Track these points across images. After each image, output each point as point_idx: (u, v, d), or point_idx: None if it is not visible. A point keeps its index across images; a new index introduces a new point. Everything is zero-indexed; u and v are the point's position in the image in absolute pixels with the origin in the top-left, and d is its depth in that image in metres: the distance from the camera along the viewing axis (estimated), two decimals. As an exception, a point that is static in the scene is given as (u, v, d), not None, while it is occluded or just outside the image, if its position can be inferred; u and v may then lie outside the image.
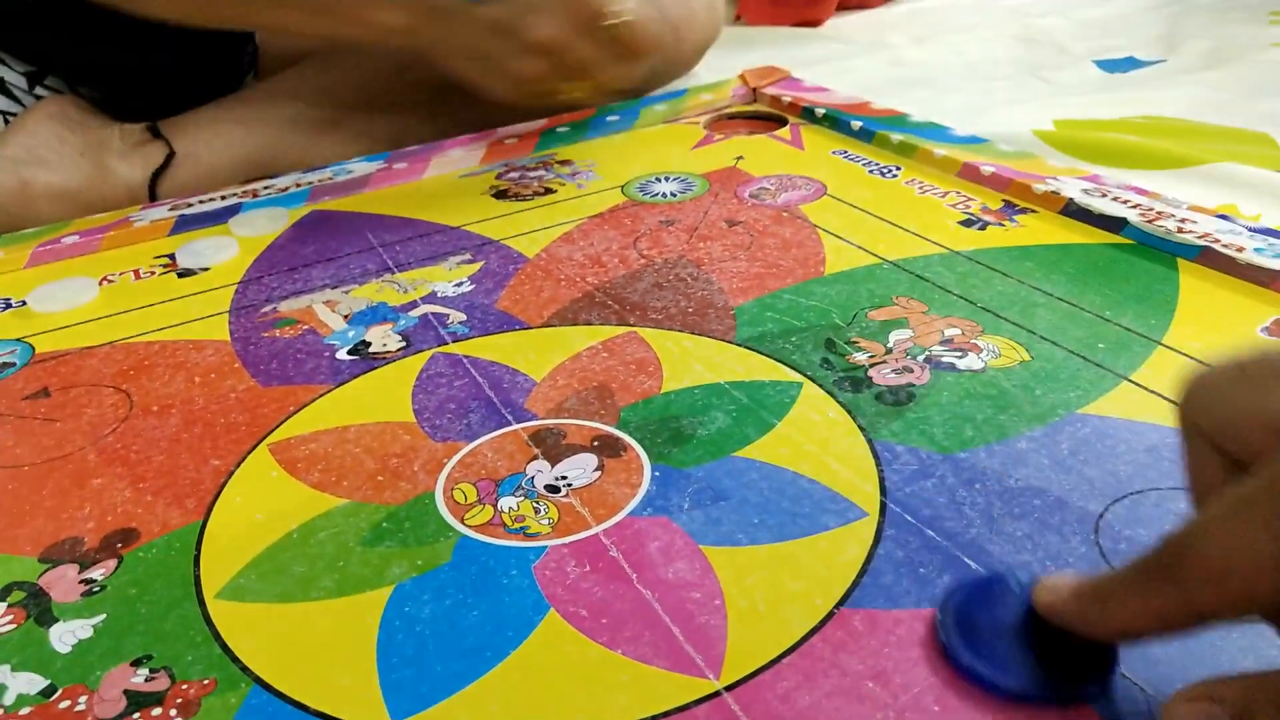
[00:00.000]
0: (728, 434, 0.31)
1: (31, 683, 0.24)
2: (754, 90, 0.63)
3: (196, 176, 0.59)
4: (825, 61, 0.76)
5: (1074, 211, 0.44)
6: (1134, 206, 0.43)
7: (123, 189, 0.58)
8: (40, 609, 0.27)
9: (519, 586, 0.26)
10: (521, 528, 0.28)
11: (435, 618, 0.25)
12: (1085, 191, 0.45)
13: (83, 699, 0.24)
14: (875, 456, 0.30)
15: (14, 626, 0.26)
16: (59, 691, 0.24)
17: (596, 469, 0.30)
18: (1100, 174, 0.47)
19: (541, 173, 0.54)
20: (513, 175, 0.53)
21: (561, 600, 0.25)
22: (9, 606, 0.27)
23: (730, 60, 0.73)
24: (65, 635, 0.26)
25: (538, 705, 0.22)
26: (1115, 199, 0.44)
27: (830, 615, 0.24)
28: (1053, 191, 0.45)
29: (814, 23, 0.88)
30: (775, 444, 0.31)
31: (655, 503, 0.28)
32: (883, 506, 0.28)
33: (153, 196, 0.58)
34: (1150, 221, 0.41)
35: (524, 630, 0.25)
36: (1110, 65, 0.72)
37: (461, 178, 0.54)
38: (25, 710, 0.24)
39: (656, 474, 0.30)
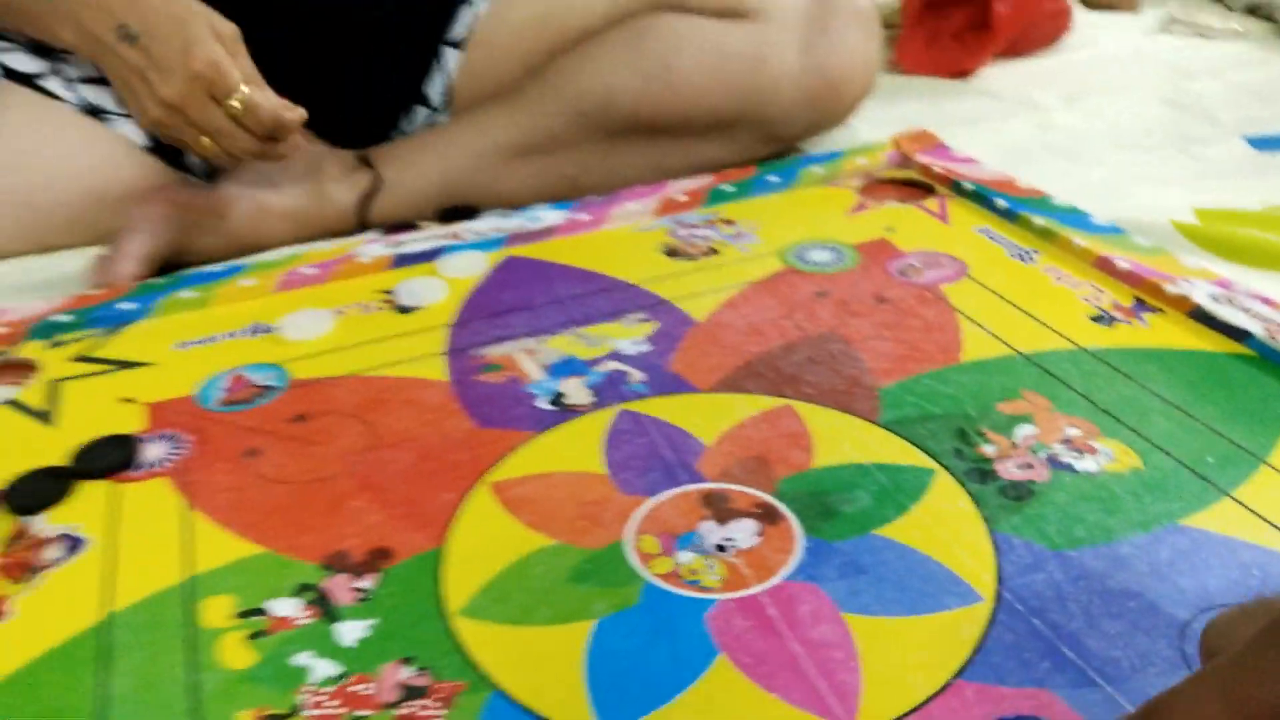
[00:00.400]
0: (870, 513, 0.37)
1: (329, 668, 0.32)
2: (906, 156, 0.67)
3: (398, 204, 0.67)
4: (974, 122, 0.79)
5: (1200, 316, 0.48)
6: (1260, 319, 0.46)
7: (335, 212, 0.66)
8: (326, 608, 0.34)
9: (694, 632, 0.33)
10: (695, 580, 0.35)
11: (630, 650, 0.32)
12: (1214, 298, 0.49)
13: (370, 686, 0.31)
14: (995, 546, 0.35)
15: (312, 620, 0.34)
16: (350, 677, 0.32)
17: (758, 534, 0.36)
18: (1233, 277, 0.51)
19: (708, 232, 0.60)
20: (682, 234, 0.60)
21: (729, 647, 0.32)
22: (306, 604, 0.35)
23: (883, 111, 0.78)
24: (349, 632, 0.33)
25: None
26: (1242, 308, 0.47)
27: (948, 685, 0.30)
28: (1182, 295, 0.49)
29: (967, 73, 0.92)
30: (910, 526, 0.36)
31: (806, 570, 0.35)
32: (997, 594, 0.33)
33: (360, 220, 0.67)
34: (1274, 336, 0.45)
35: (699, 669, 0.31)
36: (1261, 143, 0.74)
37: (638, 231, 0.61)
38: (329, 689, 0.31)
39: (808, 544, 0.36)
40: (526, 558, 0.36)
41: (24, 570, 0.37)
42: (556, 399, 0.45)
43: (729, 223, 0.61)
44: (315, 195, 0.66)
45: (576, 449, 0.42)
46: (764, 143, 0.71)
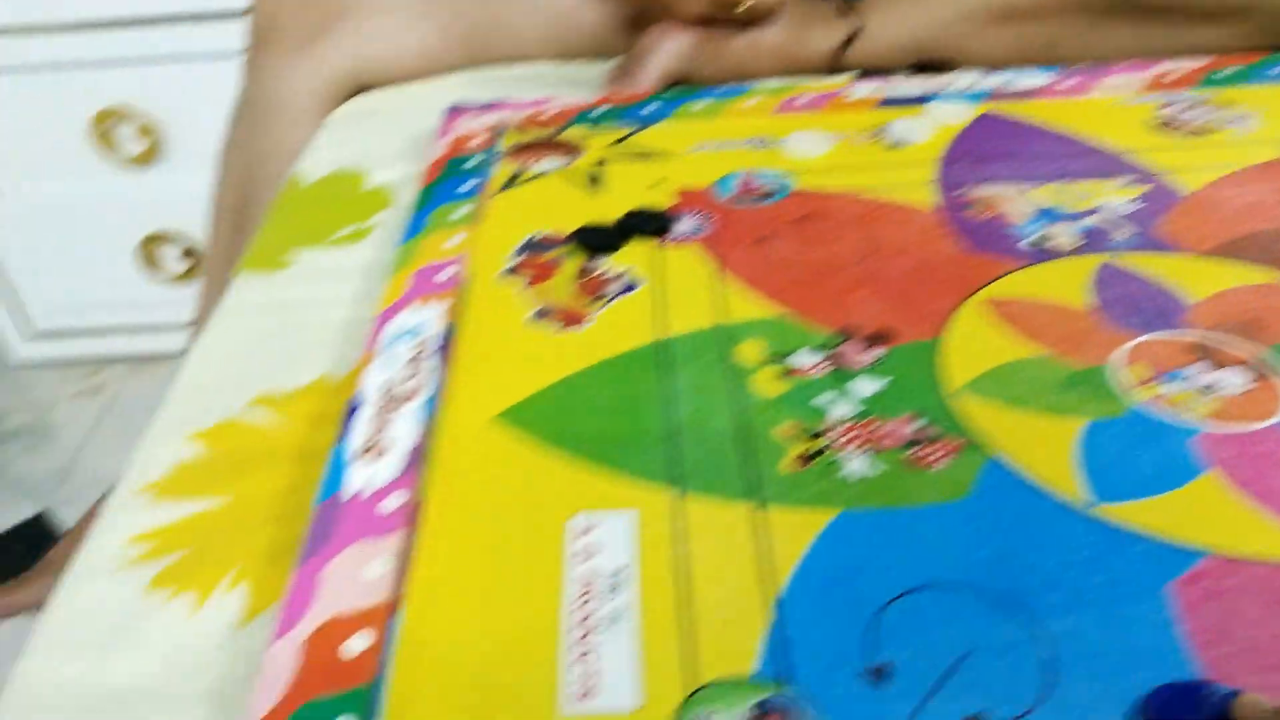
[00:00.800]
0: (1368, 385, 0.38)
1: (846, 409, 0.39)
2: None
3: (874, 52, 0.72)
4: None
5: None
6: None
7: (815, 54, 0.72)
8: (842, 365, 0.41)
9: (1185, 448, 0.36)
10: (1180, 410, 0.38)
11: (1119, 451, 0.36)
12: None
13: (884, 428, 0.38)
14: None
15: (829, 371, 0.41)
16: (864, 419, 0.39)
17: (1250, 383, 0.39)
18: None
19: (1203, 112, 0.59)
20: (1174, 110, 0.60)
21: (1219, 465, 0.35)
22: (823, 359, 0.42)
23: None
24: (862, 386, 0.40)
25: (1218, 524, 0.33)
26: None
27: None
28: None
29: None
30: None
31: (1296, 420, 0.37)
32: None
33: (837, 64, 0.72)
34: None
35: (1187, 477, 0.35)
36: None
37: (1124, 104, 0.61)
38: (847, 423, 0.38)
39: (1299, 399, 0.38)
40: (1020, 361, 0.41)
41: (595, 295, 0.47)
42: (1039, 240, 0.49)
43: (1228, 104, 0.60)
44: (800, 36, 0.72)
45: (1064, 284, 0.45)
46: (1268, 35, 0.68)
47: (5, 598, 1.07)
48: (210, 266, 0.78)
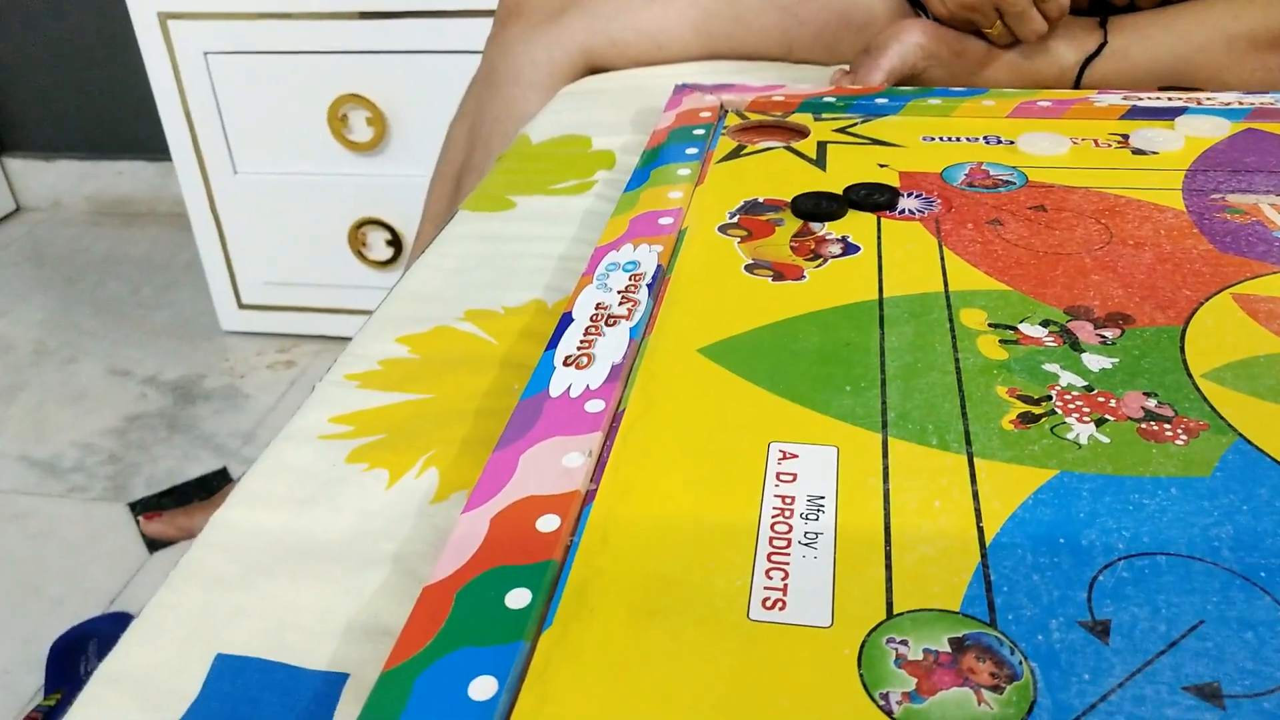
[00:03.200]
0: None
1: (1075, 379, 0.37)
2: None
3: (1118, 71, 0.68)
4: None
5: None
6: None
7: (1055, 69, 0.69)
8: (1071, 340, 0.39)
9: None
10: None
11: (1390, 450, 0.32)
12: None
13: (1111, 400, 0.35)
14: None
15: (1056, 345, 0.39)
16: (1094, 390, 0.36)
17: None
18: None
19: None
20: None
21: None
22: (1050, 332, 0.39)
23: None
24: (1092, 361, 0.38)
25: None
26: None
27: None
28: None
29: None
30: None
31: None
32: None
33: (1078, 81, 0.69)
34: None
35: None
36: None
37: (1407, 133, 0.56)
38: (1074, 392, 0.36)
39: None
40: (1274, 355, 0.37)
41: (811, 254, 0.46)
42: (1306, 249, 0.44)
43: None
44: (1041, 48, 0.69)
45: (1331, 290, 0.41)
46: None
47: (183, 520, 1.15)
48: (423, 226, 0.82)
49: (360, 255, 1.44)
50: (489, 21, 0.84)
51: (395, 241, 1.42)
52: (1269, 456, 0.33)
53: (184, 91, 1.35)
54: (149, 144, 1.85)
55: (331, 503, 0.35)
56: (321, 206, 1.41)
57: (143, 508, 1.21)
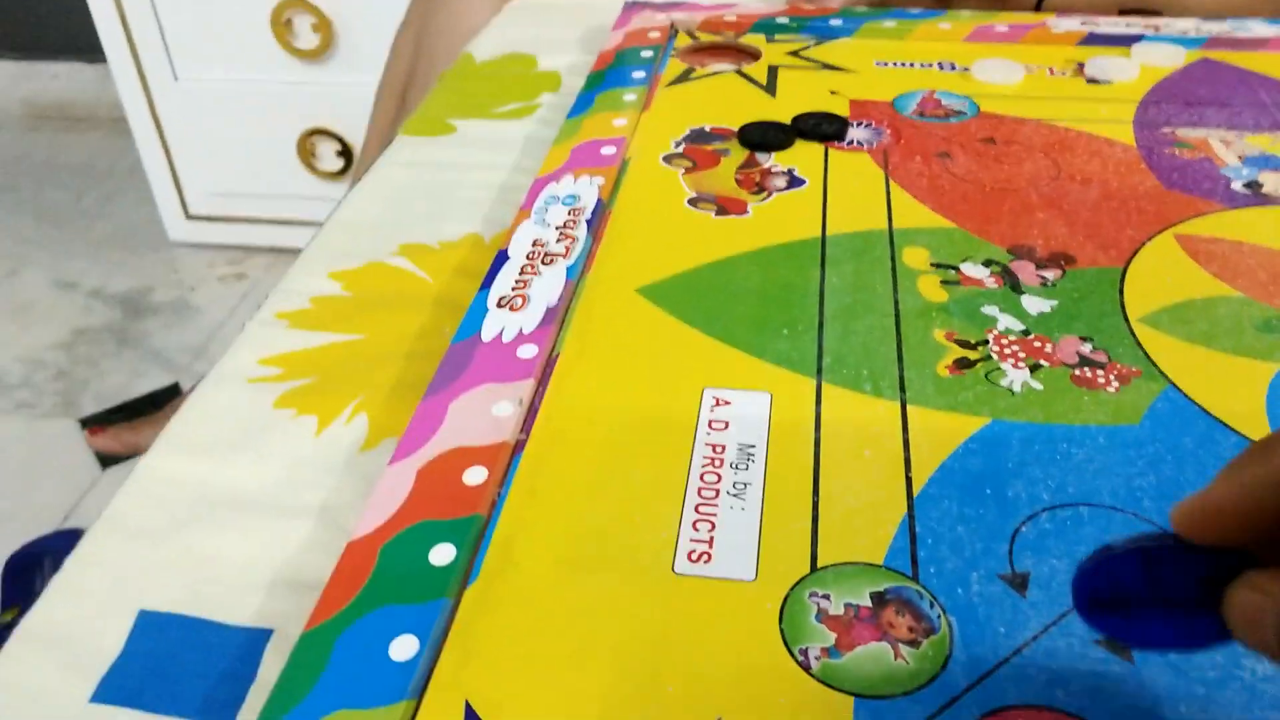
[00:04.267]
0: None
1: (1013, 323, 0.36)
2: None
3: (1086, -4, 0.67)
4: None
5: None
6: None
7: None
8: (1012, 281, 0.39)
9: (1390, 407, 0.32)
10: (1396, 369, 0.34)
11: (1315, 399, 0.33)
12: None
13: (1049, 346, 0.35)
14: None
15: (997, 286, 0.38)
16: (1031, 334, 0.36)
17: None
18: None
19: None
20: None
21: None
22: (992, 273, 0.39)
23: None
24: (1031, 303, 0.37)
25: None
26: None
27: None
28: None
29: None
30: None
31: None
32: None
33: (1039, 4, 0.68)
34: None
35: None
36: None
37: (1360, 63, 0.55)
38: (1012, 336, 0.36)
39: None
40: (1211, 299, 0.37)
41: (756, 187, 0.45)
42: (1252, 184, 0.44)
43: None
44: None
45: (1272, 229, 0.41)
46: None
47: (129, 436, 1.14)
48: (370, 139, 0.79)
49: (310, 166, 1.40)
50: (436, -75, 0.80)
51: (346, 152, 1.39)
52: (1196, 404, 0.33)
53: (118, -10, 1.29)
54: (86, 45, 1.77)
55: (258, 450, 0.34)
56: (268, 116, 1.36)
57: (92, 424, 1.19)
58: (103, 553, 0.30)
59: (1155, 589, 0.21)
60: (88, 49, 1.76)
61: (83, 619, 0.28)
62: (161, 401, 1.22)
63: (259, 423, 0.35)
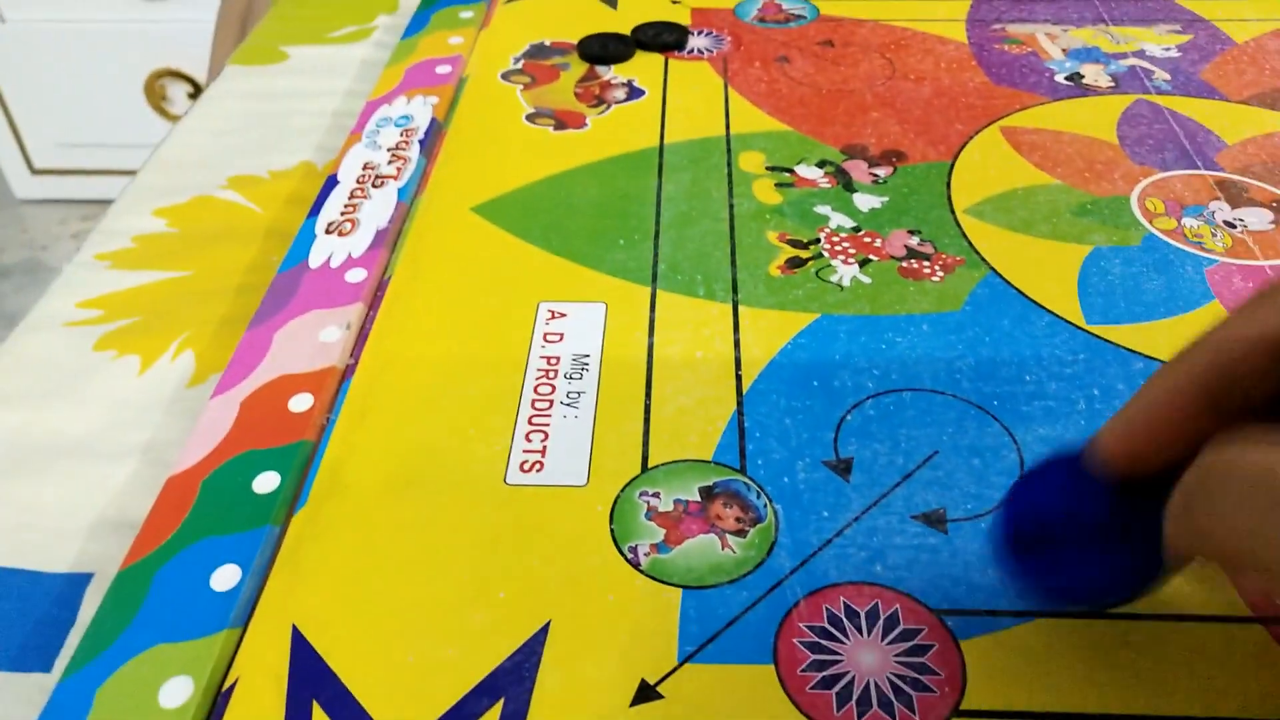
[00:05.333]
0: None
1: (844, 220, 0.37)
2: None
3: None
4: None
5: None
6: None
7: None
8: (845, 180, 0.39)
9: (1192, 278, 0.34)
10: (1198, 242, 0.35)
11: (1123, 276, 0.34)
12: None
13: (879, 240, 0.36)
14: None
15: (830, 186, 0.39)
16: (863, 231, 0.36)
17: (1271, 222, 0.36)
18: None
19: (1263, -31, 0.55)
20: (1233, -36, 0.56)
21: (1225, 298, 0.33)
22: (826, 173, 0.39)
23: None
24: (863, 201, 0.38)
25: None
26: None
27: None
28: None
29: None
30: None
31: (1321, 261, 0.34)
32: None
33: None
34: None
35: (1191, 305, 0.33)
36: None
37: (1180, -45, 0.57)
38: (842, 234, 0.36)
39: (1328, 242, 0.35)
40: (1031, 187, 0.38)
41: (596, 100, 0.45)
42: (1073, 77, 0.45)
43: (1290, -35, 0.56)
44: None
45: (1090, 118, 0.42)
46: None
47: None
48: (211, 76, 0.76)
49: (161, 110, 1.34)
50: None
51: (199, 93, 1.33)
52: (1013, 287, 0.34)
53: (-67, -71, 1.20)
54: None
55: (77, 394, 0.33)
56: (110, 58, 1.29)
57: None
58: (-92, 511, 0.29)
59: (1077, 520, 0.21)
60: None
61: (-113, 579, 0.27)
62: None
63: (77, 367, 0.33)
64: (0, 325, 1.24)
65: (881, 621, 0.24)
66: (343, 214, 0.37)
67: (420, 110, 0.43)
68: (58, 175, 1.41)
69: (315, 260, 0.35)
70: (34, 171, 1.40)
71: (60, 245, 1.36)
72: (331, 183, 0.38)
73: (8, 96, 1.33)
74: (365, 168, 0.39)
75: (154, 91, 1.32)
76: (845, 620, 0.24)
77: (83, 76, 1.31)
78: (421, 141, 0.41)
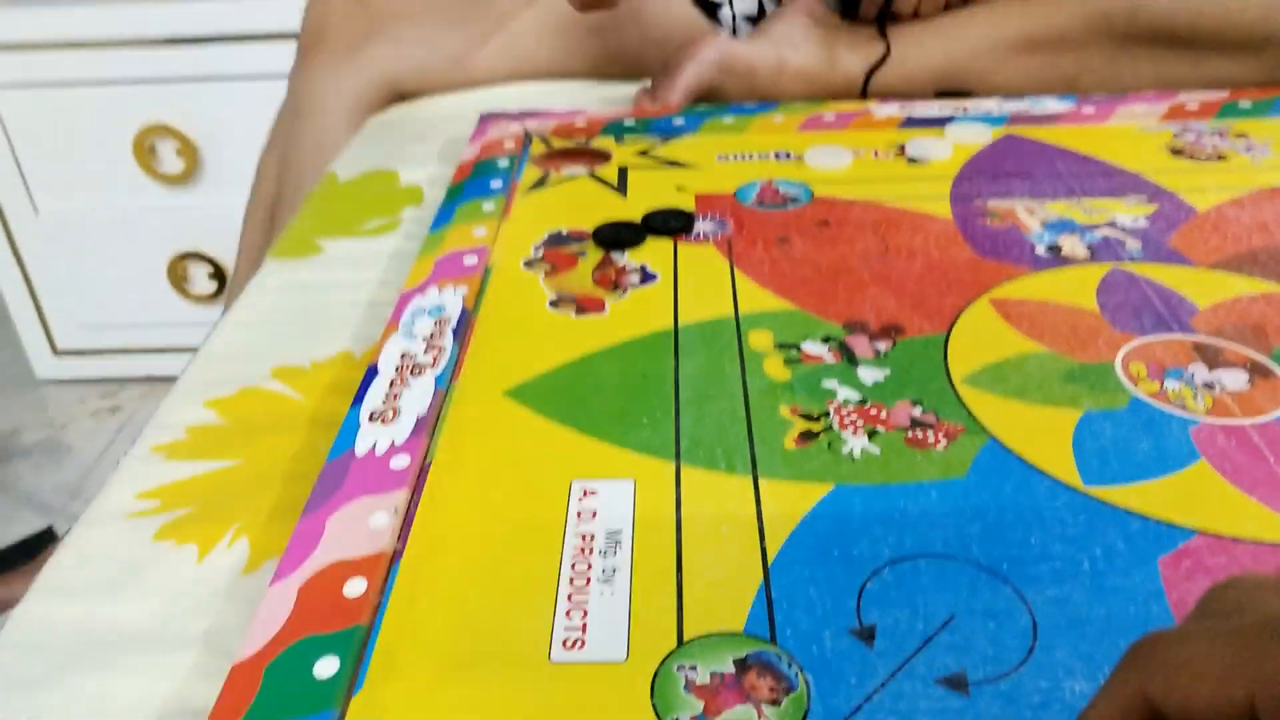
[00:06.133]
0: (1371, 389, 0.38)
1: (851, 394, 0.40)
2: None
3: (900, 78, 0.73)
4: None
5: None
6: None
7: (843, 79, 0.73)
8: (848, 354, 0.42)
9: (1179, 438, 0.36)
10: (1180, 403, 0.38)
11: (1114, 439, 0.37)
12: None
13: (884, 412, 0.39)
14: None
15: (835, 361, 0.42)
16: (867, 403, 0.39)
17: (1247, 382, 0.39)
18: None
19: (1217, 141, 0.60)
20: (1189, 137, 0.61)
21: (1210, 457, 0.35)
22: (830, 348, 0.42)
23: None
24: (866, 374, 0.41)
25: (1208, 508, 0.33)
26: None
27: None
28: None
29: None
30: None
31: (1297, 418, 0.37)
32: None
33: (864, 90, 0.73)
34: None
35: (1180, 464, 0.35)
36: None
37: (1141, 130, 0.62)
38: (850, 406, 0.39)
39: (1301, 399, 0.38)
40: (1022, 356, 0.41)
41: (613, 285, 0.48)
42: (1053, 247, 0.49)
43: (1241, 135, 0.61)
44: (828, 60, 0.73)
45: (1071, 288, 0.46)
46: None
47: (4, 590, 1.09)
48: (240, 262, 0.80)
49: (183, 291, 1.39)
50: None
51: (219, 274, 1.38)
52: (1013, 453, 0.36)
53: (-29, 130, 1.27)
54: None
55: (139, 585, 0.35)
56: (135, 243, 1.35)
57: (-39, 576, 1.14)
58: (-18, 706, 0.30)
59: None
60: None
61: (-35, 775, 0.28)
62: (35, 549, 1.18)
63: (139, 558, 0.36)
64: (17, 505, 1.25)
65: (914, 785, 0.26)
66: (384, 402, 0.39)
67: (451, 300, 0.46)
68: (79, 355, 1.45)
69: (361, 448, 0.37)
70: (56, 352, 1.44)
71: (79, 424, 1.39)
72: (372, 373, 0.41)
73: (35, 281, 1.38)
74: (403, 357, 0.42)
75: (176, 273, 1.37)
76: (880, 785, 0.26)
77: (107, 260, 1.36)
78: (454, 330, 0.44)
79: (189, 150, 1.29)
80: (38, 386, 1.46)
